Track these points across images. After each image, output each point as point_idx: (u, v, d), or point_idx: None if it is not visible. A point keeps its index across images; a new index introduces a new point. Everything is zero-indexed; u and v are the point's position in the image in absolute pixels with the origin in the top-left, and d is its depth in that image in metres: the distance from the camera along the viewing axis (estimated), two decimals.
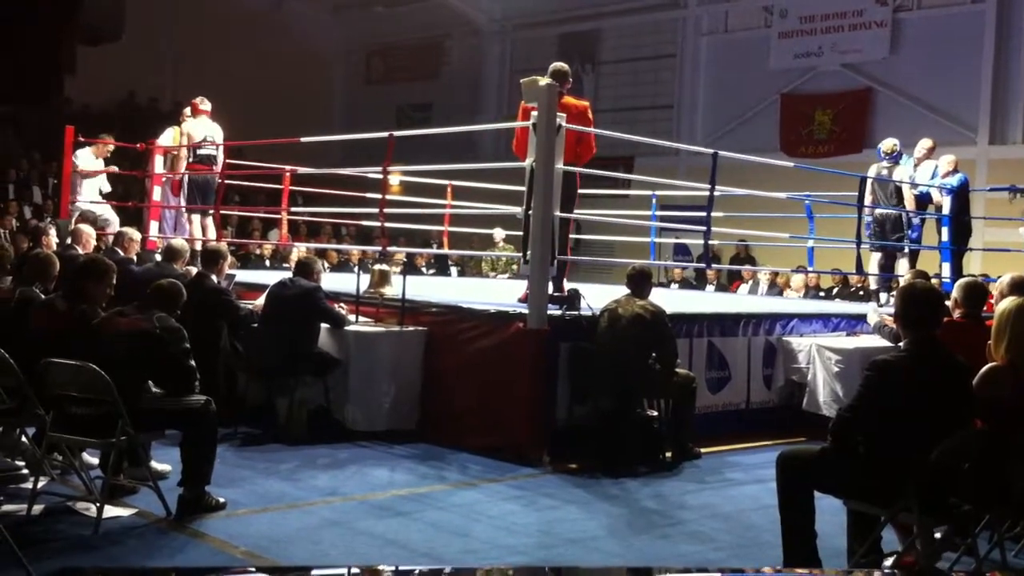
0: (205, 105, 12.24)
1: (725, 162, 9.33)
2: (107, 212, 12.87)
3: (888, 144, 11.83)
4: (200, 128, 12.07)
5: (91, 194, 12.64)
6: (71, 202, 12.35)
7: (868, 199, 11.65)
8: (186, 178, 11.98)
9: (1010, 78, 17.89)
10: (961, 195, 11.82)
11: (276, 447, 7.61)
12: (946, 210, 11.91)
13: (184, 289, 6.23)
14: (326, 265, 12.47)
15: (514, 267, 17.42)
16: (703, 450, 7.89)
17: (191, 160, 12.01)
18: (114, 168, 13.17)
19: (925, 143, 12.09)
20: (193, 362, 5.77)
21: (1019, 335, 4.73)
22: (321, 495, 6.33)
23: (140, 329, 5.62)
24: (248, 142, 13.64)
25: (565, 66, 8.36)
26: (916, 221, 11.81)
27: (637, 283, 7.83)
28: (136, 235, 10.26)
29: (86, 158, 12.57)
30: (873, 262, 12.00)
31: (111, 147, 12.86)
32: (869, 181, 11.55)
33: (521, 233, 7.81)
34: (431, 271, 17.63)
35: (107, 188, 13.09)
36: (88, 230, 10.48)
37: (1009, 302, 4.89)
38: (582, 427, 7.66)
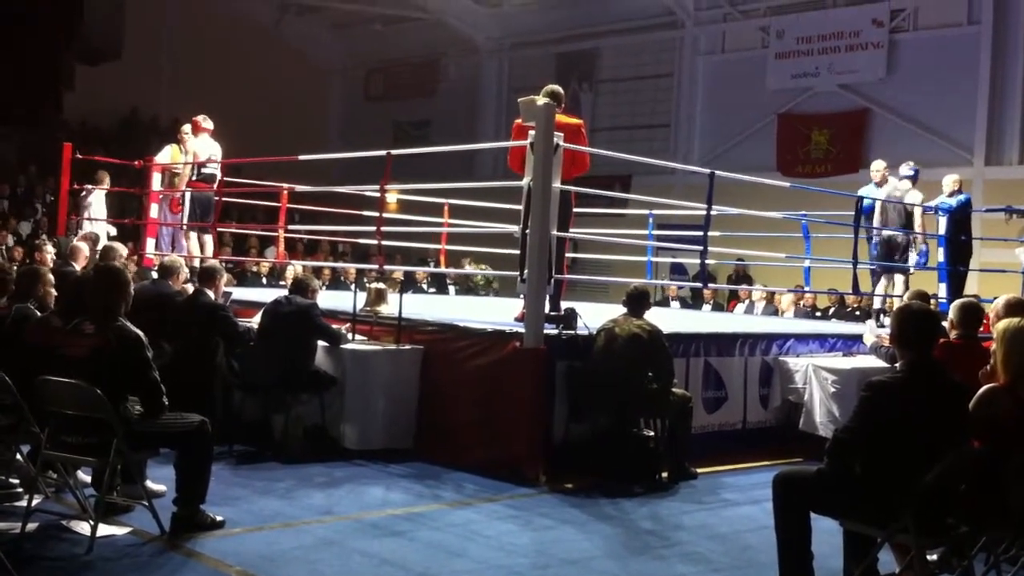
0: (207, 123, 12.28)
1: (722, 182, 9.35)
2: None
3: (885, 166, 11.93)
4: (204, 146, 12.12)
5: (102, 227, 12.99)
6: (73, 221, 12.55)
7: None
8: (188, 195, 12.00)
9: (1006, 99, 17.98)
10: (963, 215, 11.85)
11: (271, 465, 7.59)
12: (942, 230, 11.95)
13: (122, 274, 5.89)
14: (323, 284, 12.50)
15: (494, 285, 17.59)
16: (699, 470, 7.86)
17: (194, 178, 12.04)
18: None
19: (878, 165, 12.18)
20: (156, 374, 5.55)
21: (1020, 356, 4.73)
22: (316, 514, 6.31)
23: (92, 347, 5.46)
24: (246, 159, 13.67)
25: (559, 88, 8.41)
26: (924, 246, 11.84)
27: (635, 303, 7.83)
28: (84, 247, 10.41)
29: (98, 202, 12.99)
30: (880, 284, 12.00)
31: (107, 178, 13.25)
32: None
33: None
34: (432, 289, 17.66)
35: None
36: (84, 248, 10.51)
37: (1010, 323, 4.89)
38: (579, 446, 7.65)
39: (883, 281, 11.94)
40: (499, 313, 9.53)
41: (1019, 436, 4.57)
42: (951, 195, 11.88)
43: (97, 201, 13.20)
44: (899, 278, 11.79)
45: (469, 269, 17.31)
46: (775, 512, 4.77)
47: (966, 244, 11.97)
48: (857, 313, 14.56)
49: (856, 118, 19.73)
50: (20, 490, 6.13)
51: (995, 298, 7.07)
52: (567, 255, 9.14)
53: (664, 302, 16.92)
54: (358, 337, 8.56)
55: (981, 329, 6.64)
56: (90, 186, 13.14)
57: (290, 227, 14.18)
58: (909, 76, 19.03)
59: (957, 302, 6.73)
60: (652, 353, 7.56)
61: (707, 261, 9.43)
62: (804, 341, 9.66)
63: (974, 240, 12.42)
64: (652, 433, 7.79)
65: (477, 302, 14.74)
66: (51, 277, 6.93)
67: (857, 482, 4.58)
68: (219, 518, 5.80)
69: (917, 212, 11.62)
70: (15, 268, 7.69)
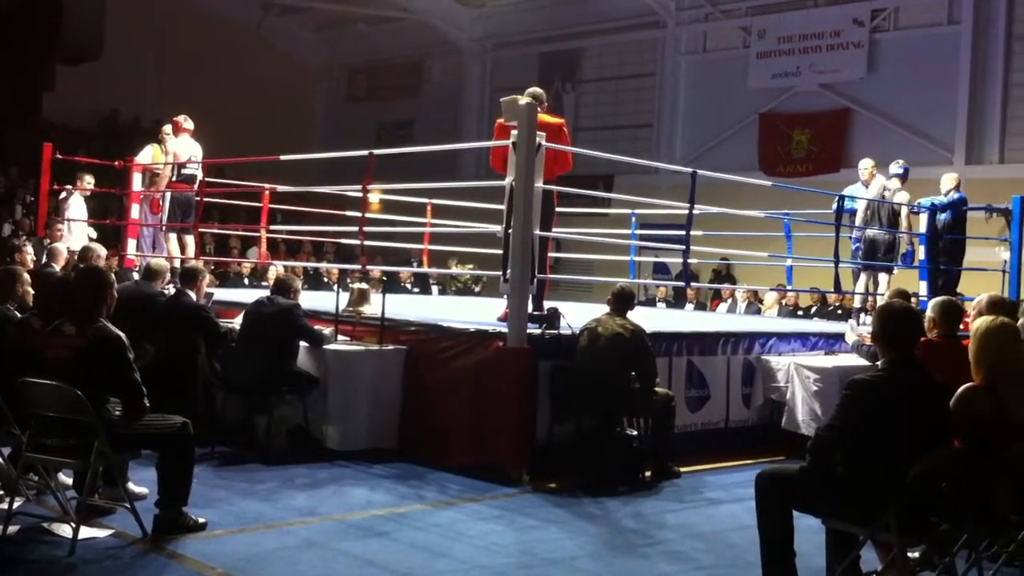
0: (188, 124, 12.22)
1: (704, 181, 9.36)
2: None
3: (873, 164, 11.98)
4: (185, 147, 12.07)
5: (82, 229, 12.97)
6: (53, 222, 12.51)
7: (860, 219, 11.72)
8: (168, 196, 11.95)
9: (986, 98, 18.07)
10: (956, 214, 11.90)
11: (254, 466, 7.56)
12: (922, 228, 12.00)
13: (106, 276, 5.85)
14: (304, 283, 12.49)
15: (476, 288, 17.66)
16: (682, 469, 7.88)
17: (175, 179, 11.98)
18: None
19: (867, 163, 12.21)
20: (137, 375, 5.52)
21: (995, 354, 4.76)
22: (299, 515, 6.29)
23: (73, 348, 5.42)
24: (228, 159, 13.63)
25: (541, 91, 8.42)
26: (909, 246, 11.88)
27: (620, 302, 7.84)
28: (64, 248, 10.43)
29: (78, 205, 12.97)
30: (860, 282, 12.04)
31: (90, 180, 13.21)
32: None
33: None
34: (416, 289, 17.64)
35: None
36: (64, 249, 10.48)
37: (983, 322, 4.92)
38: (562, 446, 7.65)
39: (863, 279, 11.98)
40: (482, 313, 9.53)
41: (998, 435, 4.60)
42: (947, 194, 11.94)
43: (77, 203, 13.14)
44: (883, 277, 11.82)
45: (455, 270, 17.32)
46: (758, 511, 4.78)
47: (959, 243, 12.01)
48: (839, 312, 14.62)
49: (837, 117, 19.81)
50: (1, 493, 6.10)
51: (974, 297, 7.10)
52: (550, 255, 9.15)
53: (650, 302, 16.95)
54: (341, 337, 8.55)
55: (961, 328, 6.66)
56: (69, 187, 13.08)
57: (272, 227, 14.15)
58: (890, 76, 19.12)
59: (936, 300, 6.75)
60: (635, 352, 7.57)
61: (689, 260, 9.45)
62: (786, 340, 9.69)
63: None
64: (635, 432, 7.80)
65: (460, 302, 14.73)
66: (28, 277, 6.90)
67: (839, 480, 4.59)
68: (201, 520, 5.78)
69: (904, 212, 11.66)
70: None
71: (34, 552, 5.31)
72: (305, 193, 15.10)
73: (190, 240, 12.10)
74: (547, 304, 8.35)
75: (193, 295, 8.25)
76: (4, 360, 5.77)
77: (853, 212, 11.87)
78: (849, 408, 4.55)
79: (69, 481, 6.22)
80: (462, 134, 24.41)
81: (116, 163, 13.12)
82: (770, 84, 20.70)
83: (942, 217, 11.88)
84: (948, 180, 12.06)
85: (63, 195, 13.22)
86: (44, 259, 10.65)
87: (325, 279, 16.97)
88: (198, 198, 11.84)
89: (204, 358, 8.10)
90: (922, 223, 12.01)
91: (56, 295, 6.00)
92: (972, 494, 4.58)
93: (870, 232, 11.67)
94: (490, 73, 25.47)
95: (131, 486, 6.04)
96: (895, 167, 11.97)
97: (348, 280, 13.99)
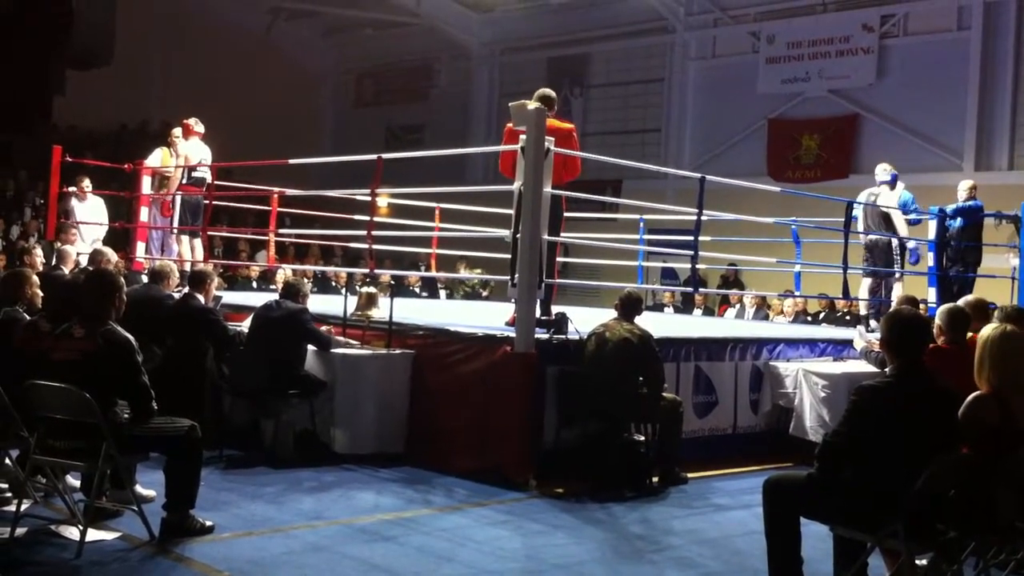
0: (199, 127, 12.27)
1: (712, 186, 9.35)
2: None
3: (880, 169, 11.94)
4: (195, 150, 12.10)
5: (93, 232, 12.93)
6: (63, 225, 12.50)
7: (861, 226, 11.71)
8: (179, 199, 11.99)
9: (995, 104, 18.03)
10: (971, 220, 11.86)
11: (261, 470, 7.57)
12: (931, 235, 11.98)
13: (115, 279, 5.87)
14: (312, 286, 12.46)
15: (483, 291, 17.68)
16: (689, 475, 7.88)
17: (185, 182, 12.02)
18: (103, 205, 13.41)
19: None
20: (146, 378, 5.53)
21: (1000, 363, 4.74)
22: (306, 519, 6.29)
23: (82, 351, 5.43)
24: (237, 163, 13.66)
25: (551, 92, 8.41)
26: (911, 246, 11.85)
27: (628, 308, 7.83)
28: (72, 251, 10.41)
29: (80, 205, 12.97)
30: (864, 287, 12.01)
31: (87, 184, 13.18)
32: (861, 207, 11.62)
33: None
34: (424, 294, 17.66)
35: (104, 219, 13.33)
36: (73, 251, 10.50)
37: (989, 330, 4.91)
38: (569, 451, 7.65)
39: (867, 283, 11.96)
40: (490, 317, 9.53)
41: (1005, 442, 4.58)
42: (966, 200, 11.91)
43: (79, 206, 13.15)
44: (896, 284, 11.78)
45: (463, 274, 17.33)
46: (765, 517, 4.78)
47: (973, 250, 11.96)
48: (847, 318, 14.59)
49: (846, 123, 19.78)
50: (9, 495, 6.11)
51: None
52: (558, 259, 9.14)
53: (658, 307, 16.93)
54: (349, 341, 8.55)
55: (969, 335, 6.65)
56: (72, 189, 13.09)
57: (281, 231, 14.17)
58: (899, 81, 19.09)
59: (944, 307, 6.74)
60: (642, 358, 7.56)
61: (698, 266, 9.44)
62: (794, 346, 9.67)
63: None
64: (642, 438, 7.79)
65: (468, 306, 14.73)
66: (36, 279, 6.91)
67: (847, 487, 4.58)
68: (208, 523, 5.78)
69: (895, 215, 11.62)
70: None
71: (41, 554, 5.32)
72: (314, 197, 15.13)
73: (199, 243, 12.14)
74: (555, 309, 8.35)
75: (202, 298, 8.27)
76: (13, 362, 5.79)
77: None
78: (857, 414, 4.55)
79: (77, 483, 6.24)
80: (471, 138, 24.44)
81: (126, 166, 13.16)
82: (779, 89, 20.67)
83: (952, 223, 11.85)
84: (964, 187, 12.03)
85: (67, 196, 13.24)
86: (53, 261, 10.66)
87: (333, 283, 16.98)
88: (207, 201, 11.87)
89: (212, 361, 8.11)
90: (931, 229, 11.99)
91: (64, 297, 6.03)
92: (980, 501, 4.56)
93: (871, 238, 11.65)
94: (498, 78, 25.48)
95: (138, 489, 6.06)
96: (882, 174, 11.91)
97: (356, 284, 14.02)
